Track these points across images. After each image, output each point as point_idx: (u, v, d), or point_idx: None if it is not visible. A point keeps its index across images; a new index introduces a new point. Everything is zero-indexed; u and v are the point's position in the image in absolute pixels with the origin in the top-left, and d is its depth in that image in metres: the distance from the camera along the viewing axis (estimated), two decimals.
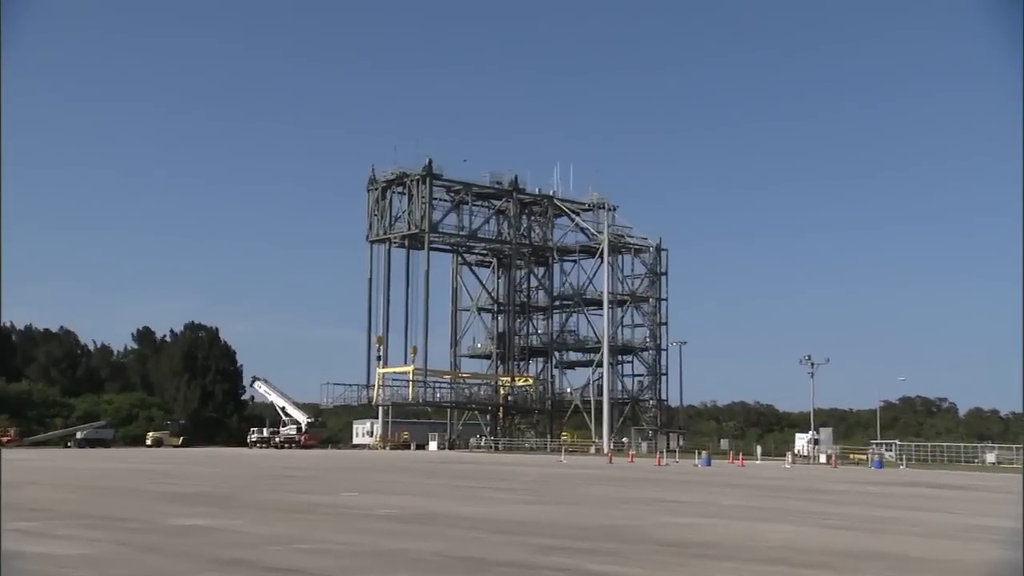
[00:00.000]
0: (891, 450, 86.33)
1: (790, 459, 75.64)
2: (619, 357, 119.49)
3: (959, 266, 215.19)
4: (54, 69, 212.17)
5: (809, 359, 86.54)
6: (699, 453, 73.17)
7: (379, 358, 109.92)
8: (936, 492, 37.89)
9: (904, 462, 76.53)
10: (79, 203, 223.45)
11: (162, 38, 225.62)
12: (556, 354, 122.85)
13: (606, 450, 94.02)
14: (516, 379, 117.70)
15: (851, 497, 32.45)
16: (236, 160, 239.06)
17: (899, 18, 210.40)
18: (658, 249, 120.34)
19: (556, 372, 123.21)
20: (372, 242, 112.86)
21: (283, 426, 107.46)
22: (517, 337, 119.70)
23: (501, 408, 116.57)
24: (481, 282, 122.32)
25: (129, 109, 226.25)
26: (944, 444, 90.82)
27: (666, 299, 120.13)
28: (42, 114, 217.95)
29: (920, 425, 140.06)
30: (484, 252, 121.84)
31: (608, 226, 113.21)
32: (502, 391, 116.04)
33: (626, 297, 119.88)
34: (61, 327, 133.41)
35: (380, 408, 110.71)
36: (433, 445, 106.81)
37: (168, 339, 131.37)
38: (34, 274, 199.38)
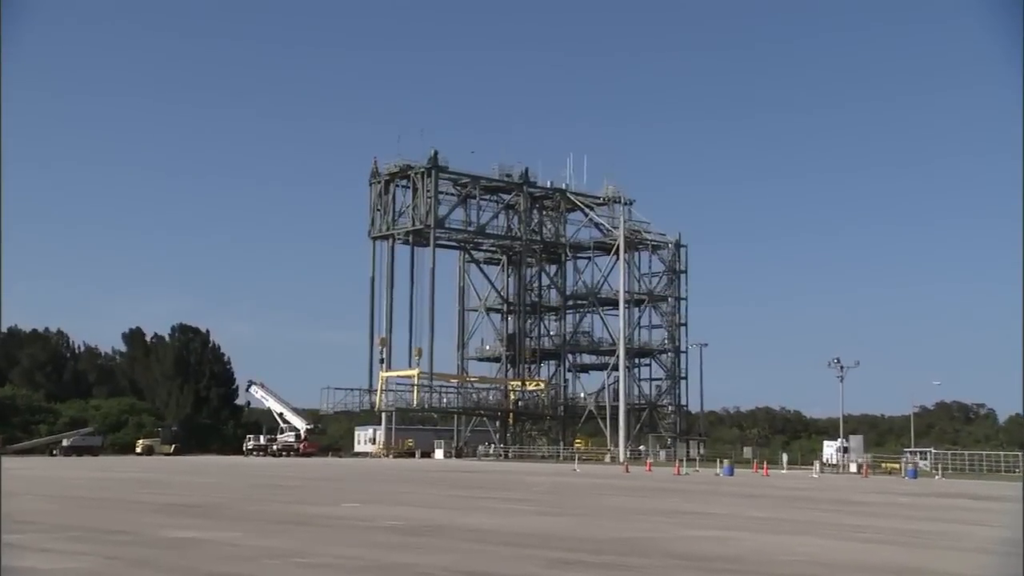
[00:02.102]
0: (926, 459, 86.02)
1: (818, 468, 75.49)
2: (636, 360, 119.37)
3: (997, 264, 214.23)
4: (44, 67, 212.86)
5: (838, 362, 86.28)
6: (721, 462, 73.10)
7: (382, 361, 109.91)
8: (974, 504, 37.78)
9: (940, 471, 76.23)
10: (66, 199, 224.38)
11: (153, 27, 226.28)
12: (569, 357, 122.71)
13: (622, 458, 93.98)
14: (527, 383, 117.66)
15: (884, 509, 32.39)
16: (230, 152, 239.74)
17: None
18: (677, 246, 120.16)
19: (569, 376, 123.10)
20: (374, 238, 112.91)
21: (281, 433, 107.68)
22: (528, 339, 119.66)
23: (511, 414, 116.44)
24: (490, 280, 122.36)
25: (118, 103, 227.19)
26: (982, 452, 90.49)
27: (685, 299, 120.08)
28: (29, 111, 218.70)
29: (956, 432, 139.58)
30: (493, 249, 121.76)
31: (624, 221, 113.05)
32: (512, 396, 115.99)
33: (643, 296, 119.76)
34: (47, 328, 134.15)
35: (383, 414, 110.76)
36: (439, 453, 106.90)
37: (159, 341, 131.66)
38: (20, 274, 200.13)
